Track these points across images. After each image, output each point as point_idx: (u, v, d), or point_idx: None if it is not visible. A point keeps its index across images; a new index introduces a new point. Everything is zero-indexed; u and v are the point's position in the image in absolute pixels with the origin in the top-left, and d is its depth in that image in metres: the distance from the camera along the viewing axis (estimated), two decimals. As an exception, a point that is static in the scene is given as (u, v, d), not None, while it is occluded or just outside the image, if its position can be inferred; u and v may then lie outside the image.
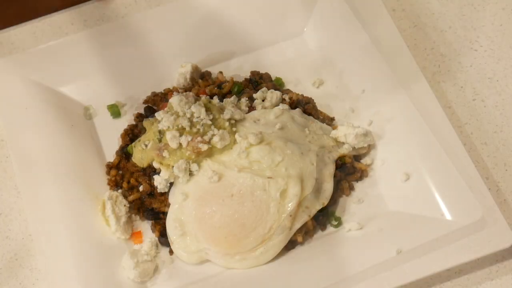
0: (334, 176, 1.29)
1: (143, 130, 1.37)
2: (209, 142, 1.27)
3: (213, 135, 1.27)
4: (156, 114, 1.32)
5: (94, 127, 1.43)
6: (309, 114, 1.38)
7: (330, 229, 1.29)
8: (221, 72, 1.45)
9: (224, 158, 1.27)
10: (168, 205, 1.29)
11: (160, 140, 1.28)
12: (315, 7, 1.48)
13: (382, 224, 1.26)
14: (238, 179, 1.24)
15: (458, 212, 1.22)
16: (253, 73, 1.44)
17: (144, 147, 1.30)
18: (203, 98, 1.33)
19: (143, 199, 1.32)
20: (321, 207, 1.26)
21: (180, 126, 1.28)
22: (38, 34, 1.54)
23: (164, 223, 1.29)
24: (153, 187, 1.30)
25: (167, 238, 1.28)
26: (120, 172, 1.36)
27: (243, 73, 1.45)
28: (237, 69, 1.47)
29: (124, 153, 1.36)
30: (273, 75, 1.44)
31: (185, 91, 1.41)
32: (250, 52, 1.48)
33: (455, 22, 1.50)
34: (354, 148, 1.33)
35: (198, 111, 1.29)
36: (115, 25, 1.48)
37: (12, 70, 1.43)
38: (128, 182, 1.33)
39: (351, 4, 1.45)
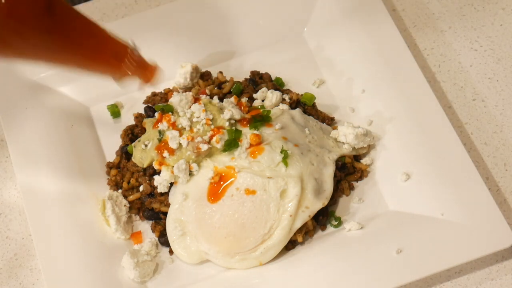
0: (334, 176, 1.29)
1: (143, 130, 1.37)
2: (209, 142, 1.27)
3: (213, 135, 1.27)
4: (156, 114, 1.32)
5: (94, 127, 1.43)
6: (309, 114, 1.38)
7: (330, 229, 1.29)
8: (221, 72, 1.45)
9: (224, 158, 1.27)
10: (168, 205, 1.29)
11: (160, 140, 1.28)
12: (315, 7, 1.48)
13: (382, 224, 1.26)
14: (238, 179, 1.24)
15: (458, 212, 1.22)
16: (253, 73, 1.44)
17: (144, 147, 1.30)
18: (203, 98, 1.33)
19: (143, 199, 1.32)
20: (321, 207, 1.26)
21: (180, 126, 1.28)
22: (38, 34, 1.54)
23: (164, 223, 1.29)
24: (153, 188, 1.30)
25: (167, 238, 1.28)
26: (120, 171, 1.36)
27: (243, 73, 1.45)
28: (237, 69, 1.47)
29: (124, 153, 1.36)
30: (273, 75, 1.44)
31: (185, 91, 1.41)
32: (250, 52, 1.48)
33: (455, 22, 1.50)
34: (354, 148, 1.33)
35: (198, 111, 1.29)
36: (115, 25, 1.48)
37: (12, 70, 1.43)
38: (128, 182, 1.33)
39: (351, 4, 1.46)
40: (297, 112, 1.35)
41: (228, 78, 1.43)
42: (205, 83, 1.43)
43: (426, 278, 1.22)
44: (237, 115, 1.30)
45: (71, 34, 0.99)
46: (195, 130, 1.27)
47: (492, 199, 1.22)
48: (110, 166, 1.37)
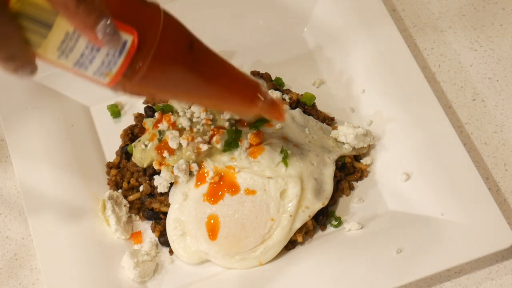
0: (334, 176, 1.29)
1: (143, 130, 1.37)
2: (209, 142, 1.27)
3: (213, 135, 1.27)
4: (156, 114, 1.32)
5: (94, 127, 1.43)
6: (309, 114, 1.38)
7: (330, 229, 1.29)
8: (221, 72, 1.44)
9: (224, 158, 1.27)
10: (168, 205, 1.29)
11: (160, 141, 1.28)
12: (315, 7, 1.48)
13: (382, 224, 1.26)
14: (238, 179, 1.24)
15: (458, 212, 1.22)
16: (253, 73, 1.44)
17: (144, 147, 1.30)
18: (203, 98, 1.33)
19: (143, 199, 1.32)
20: (321, 207, 1.26)
21: (180, 126, 1.28)
22: (38, 34, 1.53)
23: (164, 223, 1.29)
24: (153, 188, 1.30)
25: (167, 238, 1.28)
26: (120, 171, 1.36)
27: (243, 73, 1.45)
28: (237, 69, 1.47)
29: (124, 153, 1.36)
30: (273, 75, 1.44)
31: (185, 91, 1.41)
32: (250, 52, 1.48)
33: (455, 22, 1.50)
34: (354, 148, 1.33)
35: (198, 111, 1.29)
36: (115, 25, 1.48)
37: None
38: (128, 182, 1.33)
39: (351, 4, 1.46)
40: (297, 112, 1.35)
41: (228, 78, 1.43)
42: (205, 83, 1.43)
43: (426, 278, 1.22)
44: (237, 115, 1.30)
45: (209, 71, 1.01)
46: (195, 130, 1.27)
47: (492, 199, 1.22)
48: (110, 166, 1.37)
